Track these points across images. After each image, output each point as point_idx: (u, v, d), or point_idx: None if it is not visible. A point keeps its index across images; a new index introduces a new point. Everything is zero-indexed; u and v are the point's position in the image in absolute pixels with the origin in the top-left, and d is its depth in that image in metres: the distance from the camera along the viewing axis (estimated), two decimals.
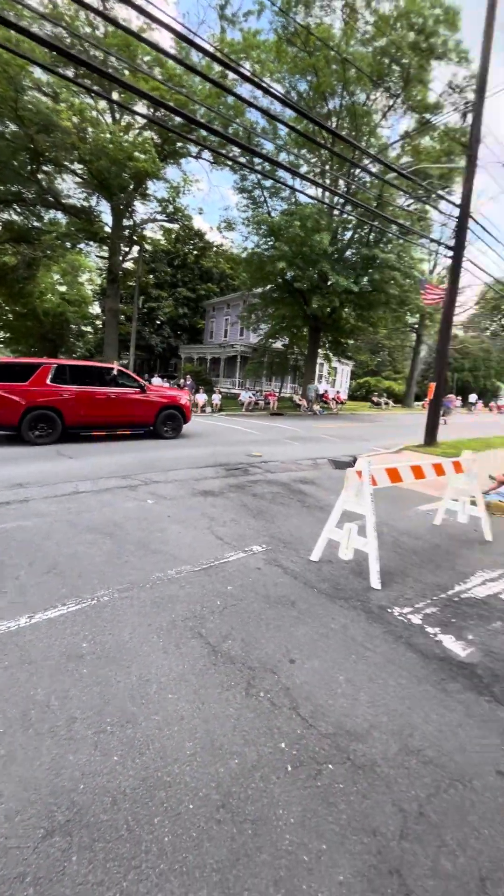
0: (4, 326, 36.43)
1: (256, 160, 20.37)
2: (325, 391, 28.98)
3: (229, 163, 22.56)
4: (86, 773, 1.75)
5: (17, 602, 2.96)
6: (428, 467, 4.38)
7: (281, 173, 20.30)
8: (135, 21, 24.41)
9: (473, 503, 4.95)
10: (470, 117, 11.45)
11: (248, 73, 17.01)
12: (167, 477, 6.71)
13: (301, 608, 3.14)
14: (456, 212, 11.73)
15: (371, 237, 20.76)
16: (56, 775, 1.74)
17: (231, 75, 19.61)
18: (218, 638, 2.71)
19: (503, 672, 2.57)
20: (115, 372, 10.20)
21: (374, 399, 33.55)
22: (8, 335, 38.18)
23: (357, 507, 3.75)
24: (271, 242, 20.44)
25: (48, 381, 9.07)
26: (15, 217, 26.46)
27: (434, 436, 11.89)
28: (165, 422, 10.88)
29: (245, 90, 20.47)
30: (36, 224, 26.07)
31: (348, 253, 22.03)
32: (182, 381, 25.30)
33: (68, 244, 25.63)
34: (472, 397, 38.29)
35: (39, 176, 23.69)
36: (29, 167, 22.73)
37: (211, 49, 16.27)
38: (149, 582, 3.36)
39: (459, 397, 35.92)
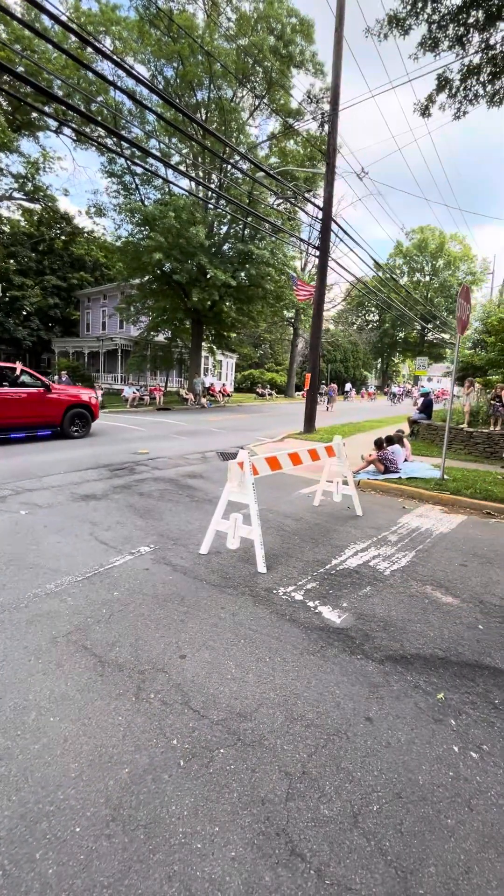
0: None
1: (125, 145, 19.46)
2: (212, 384, 29.24)
3: (95, 143, 21.15)
4: None
5: None
6: (304, 453, 4.71)
7: (152, 161, 19.71)
8: None
9: (345, 483, 5.47)
10: (327, 127, 12.39)
11: (108, 51, 16.08)
12: (42, 483, 6.16)
13: (190, 603, 3.16)
14: (321, 214, 12.66)
15: (246, 233, 21.35)
16: None
17: (90, 50, 18.34)
18: (104, 647, 2.59)
19: (372, 631, 2.92)
20: (17, 371, 9.63)
21: (259, 390, 34.86)
22: None
23: (241, 497, 3.88)
24: (146, 232, 19.79)
25: None
26: None
27: (312, 423, 12.81)
28: (73, 421, 10.48)
29: (106, 67, 19.30)
30: None
31: (225, 247, 22.38)
32: (56, 377, 23.29)
33: None
34: (347, 386, 42.46)
35: None
36: None
37: (64, 18, 14.98)
38: (23, 601, 3.07)
39: (336, 386, 39.34)
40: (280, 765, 1.87)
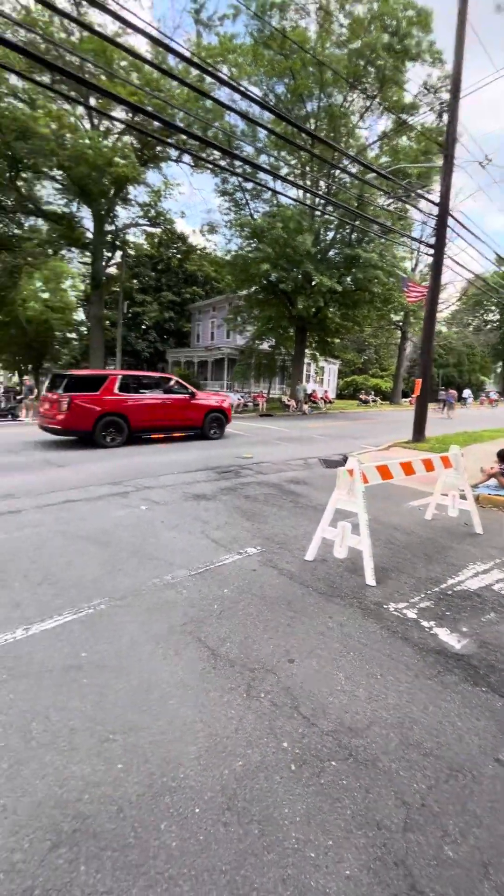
0: None
1: (237, 163, 20.46)
2: (314, 391, 29.13)
3: (210, 166, 22.58)
4: (90, 783, 1.75)
5: (12, 615, 2.94)
6: (418, 463, 4.44)
7: (262, 176, 20.44)
8: (110, 26, 24.34)
9: (463, 497, 5.03)
10: (446, 117, 11.64)
11: (226, 77, 17.08)
12: (158, 482, 6.69)
13: (297, 608, 3.16)
14: (435, 210, 11.91)
15: (353, 237, 20.96)
16: (60, 787, 1.73)
17: (209, 79, 19.68)
18: (216, 641, 2.72)
19: (498, 662, 2.62)
20: (172, 382, 11.42)
21: (362, 397, 33.80)
22: None
23: (349, 506, 3.79)
24: (255, 244, 20.53)
25: (115, 391, 10.01)
26: None
27: (422, 432, 12.03)
28: (211, 424, 11.82)
29: (223, 94, 20.55)
30: (16, 231, 25.80)
31: (331, 253, 22.21)
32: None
33: (50, 251, 25.41)
34: (466, 392, 38.32)
35: (18, 183, 23.49)
36: (8, 174, 22.51)
37: (187, 53, 16.32)
38: (144, 589, 3.36)
39: (455, 392, 36.33)
40: (396, 791, 1.77)
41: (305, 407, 23.96)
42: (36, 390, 21.93)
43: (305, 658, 2.59)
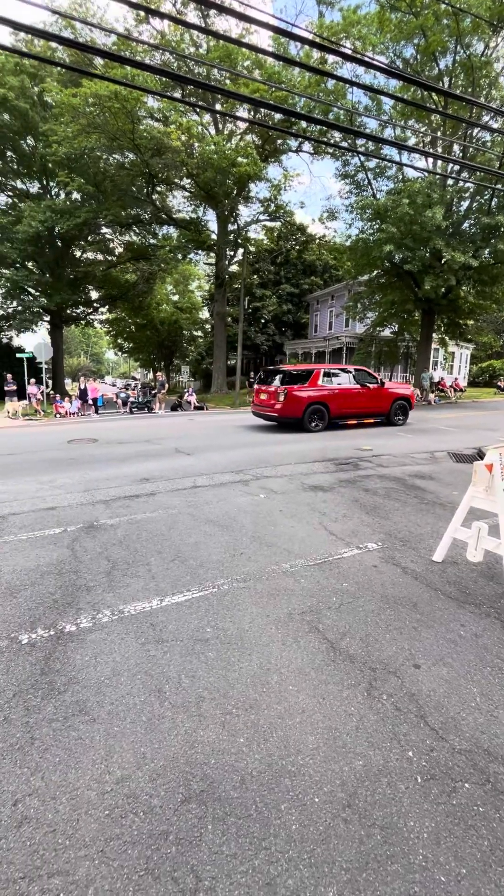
0: (128, 337, 40.52)
1: (360, 141, 19.56)
2: (442, 378, 26.73)
3: (330, 150, 21.98)
4: (215, 750, 1.86)
5: (149, 586, 3.28)
6: None
7: (386, 150, 19.19)
8: (234, 30, 25.12)
9: None
10: None
11: (349, 52, 16.34)
12: (277, 472, 6.82)
13: (424, 611, 2.94)
14: None
15: (493, 203, 18.52)
16: (190, 748, 1.88)
17: (331, 58, 19.06)
18: (336, 634, 2.67)
19: None
20: (361, 372, 12.26)
21: (501, 384, 29.98)
22: (131, 345, 42.40)
23: (487, 505, 3.38)
24: (377, 226, 19.45)
25: (319, 383, 11.28)
26: (134, 238, 29.26)
27: None
28: (397, 411, 12.55)
29: (345, 71, 19.74)
30: (152, 241, 28.45)
31: (465, 225, 19.99)
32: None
33: (180, 256, 27.47)
34: None
35: (154, 197, 25.79)
36: (145, 190, 24.88)
37: (309, 37, 15.99)
38: (264, 574, 3.45)
39: None
40: None
41: (432, 396, 22.14)
42: (167, 385, 24.02)
43: (433, 665, 2.39)
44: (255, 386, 12.30)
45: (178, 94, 22.17)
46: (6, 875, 1.39)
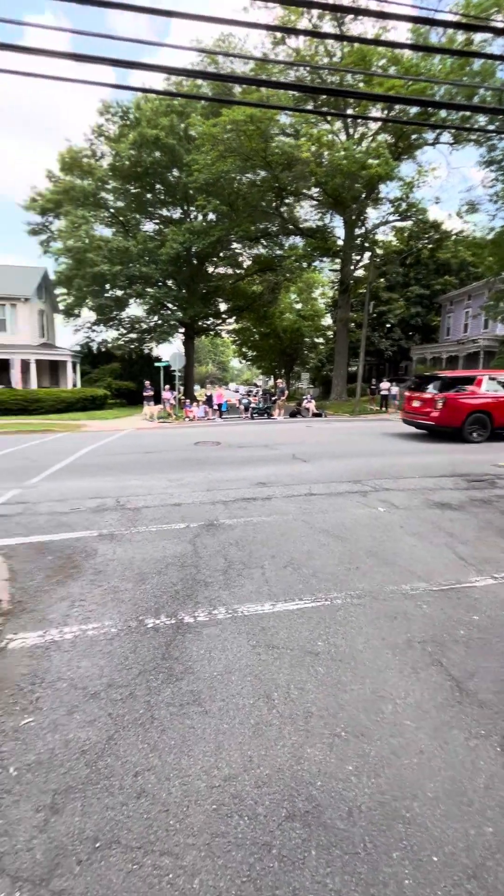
0: (252, 346, 42.32)
1: None
2: None
3: (474, 136, 20.12)
4: (322, 772, 1.79)
5: (262, 589, 3.33)
6: None
7: None
8: (370, 31, 24.61)
9: None
10: None
11: (501, 25, 14.81)
12: (398, 485, 6.41)
13: None
14: None
15: None
16: (296, 762, 1.84)
17: (478, 37, 17.51)
18: (462, 673, 2.38)
19: None
20: None
21: None
22: (254, 353, 44.19)
23: None
24: None
25: (482, 390, 10.57)
26: (262, 250, 30.50)
27: None
28: None
29: (495, 48, 17.88)
30: (278, 252, 29.32)
31: None
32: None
33: (305, 264, 27.79)
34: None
35: (282, 209, 26.58)
36: (273, 204, 25.80)
37: (453, 20, 14.93)
38: (382, 593, 3.25)
39: None
40: None
41: None
42: (287, 392, 24.40)
43: None
44: (407, 393, 11.90)
45: (309, 106, 22.56)
46: (125, 841, 1.52)
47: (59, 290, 28.74)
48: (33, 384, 24.44)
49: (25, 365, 24.71)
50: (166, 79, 24.88)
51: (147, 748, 1.90)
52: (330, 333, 40.28)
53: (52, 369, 27.52)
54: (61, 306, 29.54)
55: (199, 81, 25.19)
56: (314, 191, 25.86)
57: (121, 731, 2.00)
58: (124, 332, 31.82)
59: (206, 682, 2.32)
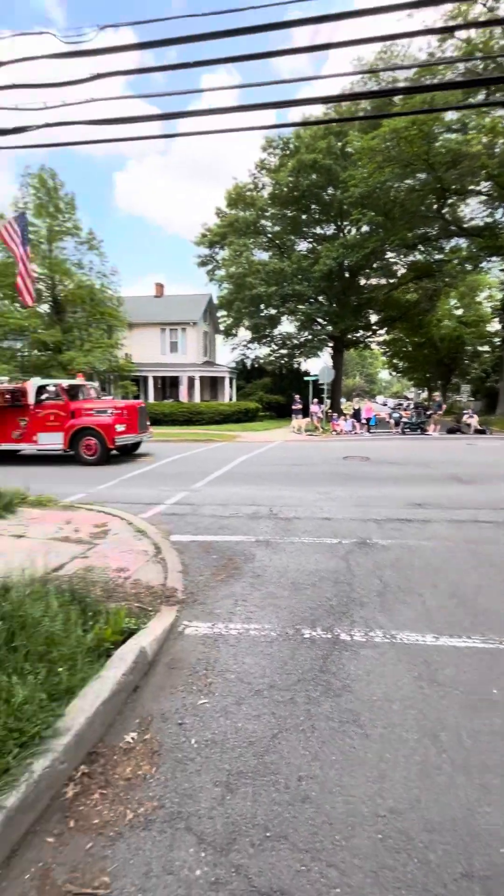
0: (404, 357, 40.16)
1: None
2: None
3: None
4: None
5: (422, 619, 3.13)
6: None
7: None
8: None
9: None
10: None
11: None
12: None
13: None
14: None
15: None
16: (471, 817, 1.67)
17: None
18: None
19: None
20: None
21: None
22: (406, 364, 41.84)
23: None
24: None
25: None
26: (419, 256, 28.89)
27: None
28: None
29: None
30: (437, 257, 27.39)
31: None
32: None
33: (469, 266, 25.38)
34: None
35: (443, 210, 24.81)
36: (434, 206, 24.26)
37: None
38: None
39: None
40: None
41: None
42: (444, 406, 22.47)
43: None
44: None
45: (480, 97, 20.70)
46: (293, 839, 1.59)
47: (220, 313, 31.82)
48: (196, 398, 27.45)
49: (191, 381, 27.92)
50: (325, 106, 25.73)
51: (309, 756, 1.96)
52: (497, 340, 35.80)
53: (211, 384, 30.52)
54: (221, 327, 32.63)
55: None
56: (483, 186, 23.53)
57: (283, 732, 2.10)
58: (276, 348, 33.51)
59: (366, 704, 2.28)
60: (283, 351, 33.62)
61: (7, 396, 10.80)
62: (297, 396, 21.80)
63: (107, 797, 1.76)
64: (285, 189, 27.02)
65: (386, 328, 34.30)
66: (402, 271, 30.72)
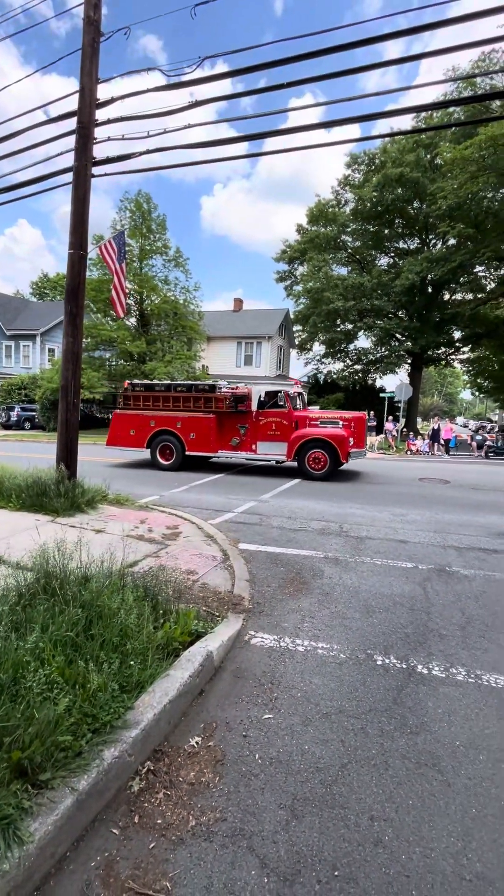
0: (490, 376, 37.42)
1: None
2: None
3: None
4: None
5: None
6: None
7: None
8: None
9: None
10: None
11: None
12: None
13: None
14: None
15: None
16: None
17: None
18: None
19: None
20: None
21: None
22: (492, 384, 38.92)
23: None
24: None
25: None
26: None
27: None
28: None
29: None
30: None
31: None
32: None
33: None
34: None
35: None
36: None
37: None
38: None
39: None
40: None
41: None
42: None
43: None
44: None
45: None
46: (363, 885, 1.45)
47: (296, 328, 31.98)
48: None
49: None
50: (414, 117, 25.17)
51: (382, 796, 1.80)
52: None
53: None
54: (296, 341, 32.74)
55: (451, 109, 24.48)
56: None
57: (353, 763, 1.96)
58: (350, 363, 32.89)
59: (447, 748, 2.06)
60: (358, 366, 32.89)
61: (229, 402, 10.30)
62: (372, 413, 21.14)
63: (170, 798, 1.75)
64: (368, 204, 26.67)
65: (471, 345, 32.21)
66: (491, 286, 28.81)
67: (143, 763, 1.90)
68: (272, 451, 10.21)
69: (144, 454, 11.36)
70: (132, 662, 2.24)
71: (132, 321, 26.10)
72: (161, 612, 2.86)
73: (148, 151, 6.91)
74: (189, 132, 7.30)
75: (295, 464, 10.13)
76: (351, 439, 9.78)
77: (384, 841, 1.61)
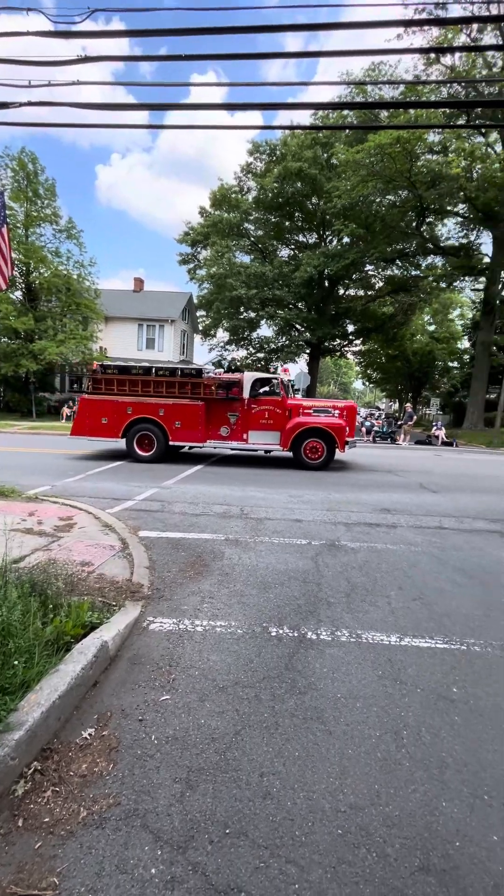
0: (378, 368, 41.08)
1: None
2: None
3: None
4: (461, 833, 1.61)
5: (388, 619, 3.17)
6: None
7: None
8: None
9: None
10: None
11: None
12: None
13: None
14: None
15: None
16: (429, 814, 1.69)
17: None
18: None
19: None
20: None
21: None
22: (379, 375, 42.80)
23: None
24: None
25: None
26: (396, 271, 29.65)
27: None
28: None
29: None
30: (414, 273, 28.20)
31: None
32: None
33: (444, 284, 26.26)
34: None
35: (422, 229, 25.57)
36: (414, 223, 24.97)
37: None
38: None
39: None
40: None
41: None
42: (415, 417, 23.06)
43: None
44: None
45: (461, 121, 21.53)
46: (252, 836, 1.56)
47: (199, 313, 31.65)
48: None
49: None
50: (312, 114, 26.13)
51: (272, 752, 1.94)
52: (467, 357, 37.15)
53: None
54: (200, 327, 32.44)
55: (345, 112, 25.87)
56: (461, 207, 24.44)
57: (247, 728, 2.07)
58: (253, 351, 33.58)
59: (330, 702, 2.28)
60: (261, 354, 33.76)
61: (218, 389, 9.70)
62: None
63: (59, 794, 1.68)
64: (270, 194, 27.20)
65: (362, 339, 34.97)
66: (379, 284, 31.45)
67: (30, 764, 1.80)
68: (265, 441, 9.95)
69: (117, 445, 10.21)
70: (16, 662, 2.08)
71: (17, 294, 23.54)
72: (51, 606, 2.70)
73: (30, 103, 6.21)
74: (81, 90, 6.70)
75: (289, 454, 10.00)
76: (347, 428, 9.88)
77: (272, 793, 1.74)
